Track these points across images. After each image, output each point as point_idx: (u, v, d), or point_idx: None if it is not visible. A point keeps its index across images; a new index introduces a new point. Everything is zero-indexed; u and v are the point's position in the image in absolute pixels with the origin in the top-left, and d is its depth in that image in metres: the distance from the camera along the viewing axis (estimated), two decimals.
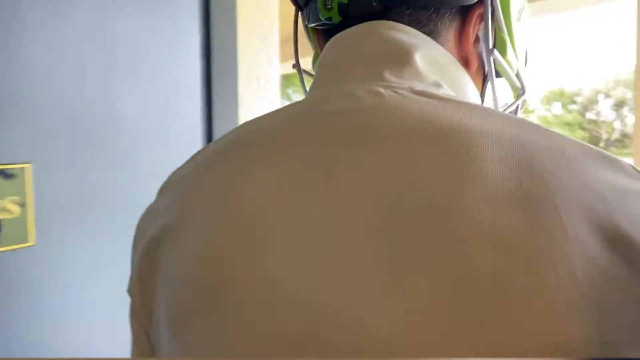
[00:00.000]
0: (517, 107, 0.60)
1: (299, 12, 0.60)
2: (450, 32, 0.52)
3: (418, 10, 0.51)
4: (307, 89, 0.56)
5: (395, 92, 0.44)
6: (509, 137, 0.39)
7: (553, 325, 0.33)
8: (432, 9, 0.51)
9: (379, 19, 0.51)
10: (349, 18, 0.52)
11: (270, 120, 0.48)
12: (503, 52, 0.55)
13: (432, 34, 0.51)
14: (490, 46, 0.53)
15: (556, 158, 0.38)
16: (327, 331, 0.35)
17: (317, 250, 0.37)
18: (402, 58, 0.48)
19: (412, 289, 0.35)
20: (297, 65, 0.64)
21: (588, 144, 0.40)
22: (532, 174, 0.37)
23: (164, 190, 0.51)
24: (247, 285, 0.38)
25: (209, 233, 0.42)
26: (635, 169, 0.40)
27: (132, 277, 0.50)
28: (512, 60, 0.56)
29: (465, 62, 0.53)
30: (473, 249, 0.34)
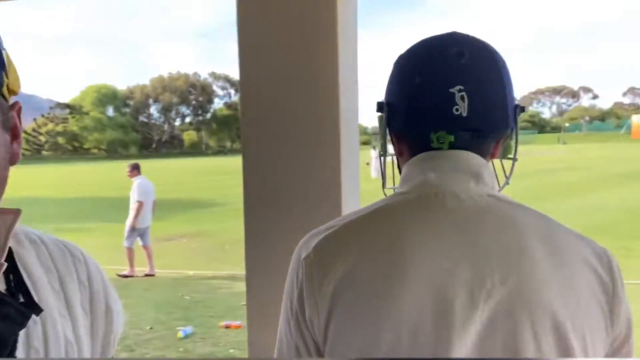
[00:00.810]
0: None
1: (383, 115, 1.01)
2: (492, 149, 0.99)
3: (485, 143, 0.96)
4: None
5: (481, 197, 0.91)
6: (544, 229, 0.90)
7: None
8: (493, 141, 0.98)
9: (463, 148, 0.94)
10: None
11: (401, 204, 0.95)
12: (510, 153, 1.02)
13: (488, 153, 0.97)
14: (513, 156, 1.01)
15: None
16: None
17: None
18: (478, 175, 0.93)
19: None
20: (384, 155, 1.05)
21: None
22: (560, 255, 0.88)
23: (329, 239, 0.93)
24: None
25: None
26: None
27: (319, 308, 0.89)
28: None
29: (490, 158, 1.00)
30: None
